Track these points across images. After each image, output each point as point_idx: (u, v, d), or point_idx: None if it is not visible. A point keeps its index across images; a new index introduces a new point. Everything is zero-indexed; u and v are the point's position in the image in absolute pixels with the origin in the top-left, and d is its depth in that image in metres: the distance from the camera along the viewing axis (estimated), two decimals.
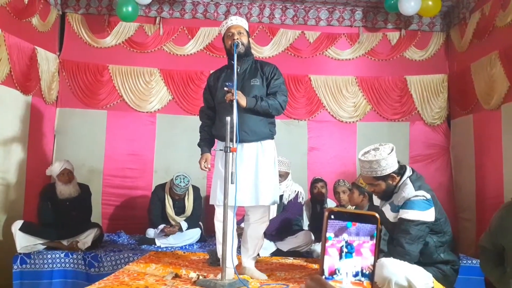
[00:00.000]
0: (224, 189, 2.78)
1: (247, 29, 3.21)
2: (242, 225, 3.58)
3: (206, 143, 3.22)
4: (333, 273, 0.77)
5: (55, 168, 4.28)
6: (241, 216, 3.97)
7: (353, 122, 5.56)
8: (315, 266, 3.61)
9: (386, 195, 2.88)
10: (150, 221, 4.72)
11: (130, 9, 5.08)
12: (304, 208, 4.45)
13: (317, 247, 4.07)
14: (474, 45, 4.86)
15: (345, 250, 0.77)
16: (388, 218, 2.84)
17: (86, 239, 4.10)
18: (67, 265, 3.94)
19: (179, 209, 4.75)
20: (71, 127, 5.37)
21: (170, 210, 4.71)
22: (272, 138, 3.19)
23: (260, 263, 3.58)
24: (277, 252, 4.10)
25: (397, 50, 5.59)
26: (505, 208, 2.48)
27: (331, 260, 0.77)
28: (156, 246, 4.43)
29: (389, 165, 2.76)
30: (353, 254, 0.77)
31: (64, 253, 3.97)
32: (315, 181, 4.51)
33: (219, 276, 2.79)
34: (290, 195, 4.23)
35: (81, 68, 5.41)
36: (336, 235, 0.77)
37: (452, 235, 2.87)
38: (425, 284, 2.60)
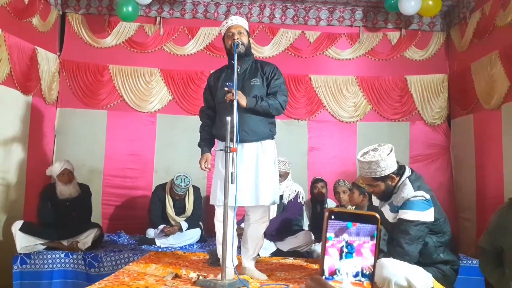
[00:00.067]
0: (224, 189, 2.77)
1: (247, 29, 3.20)
2: (242, 225, 3.58)
3: (206, 143, 3.22)
4: (333, 273, 0.77)
5: (55, 168, 4.28)
6: (241, 216, 3.96)
7: (353, 122, 5.55)
8: (315, 266, 3.60)
9: (385, 196, 2.87)
10: (150, 221, 4.72)
11: (130, 9, 5.07)
12: (304, 208, 4.45)
13: (317, 247, 4.06)
14: (474, 44, 4.86)
15: (345, 250, 0.77)
16: (387, 219, 2.84)
17: (86, 239, 4.10)
18: (67, 265, 3.94)
19: (180, 209, 4.75)
20: (71, 127, 5.37)
21: (170, 210, 4.71)
22: (272, 138, 3.18)
23: (260, 263, 3.58)
24: (277, 252, 4.10)
25: (398, 50, 5.59)
26: (503, 209, 2.48)
27: (331, 260, 0.77)
28: (156, 246, 4.43)
29: (388, 166, 2.76)
30: (354, 254, 0.77)
31: (64, 253, 3.97)
32: (315, 181, 4.51)
33: (219, 276, 2.79)
34: (290, 195, 4.23)
35: (82, 68, 5.41)
36: (337, 235, 0.77)
37: (452, 235, 2.87)
38: (425, 284, 2.60)
